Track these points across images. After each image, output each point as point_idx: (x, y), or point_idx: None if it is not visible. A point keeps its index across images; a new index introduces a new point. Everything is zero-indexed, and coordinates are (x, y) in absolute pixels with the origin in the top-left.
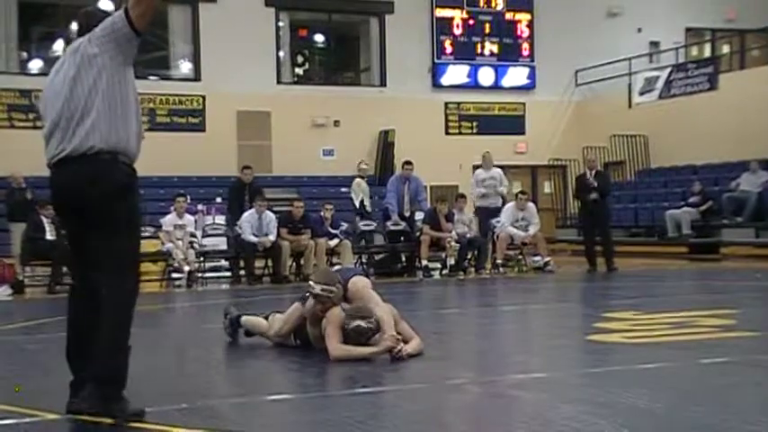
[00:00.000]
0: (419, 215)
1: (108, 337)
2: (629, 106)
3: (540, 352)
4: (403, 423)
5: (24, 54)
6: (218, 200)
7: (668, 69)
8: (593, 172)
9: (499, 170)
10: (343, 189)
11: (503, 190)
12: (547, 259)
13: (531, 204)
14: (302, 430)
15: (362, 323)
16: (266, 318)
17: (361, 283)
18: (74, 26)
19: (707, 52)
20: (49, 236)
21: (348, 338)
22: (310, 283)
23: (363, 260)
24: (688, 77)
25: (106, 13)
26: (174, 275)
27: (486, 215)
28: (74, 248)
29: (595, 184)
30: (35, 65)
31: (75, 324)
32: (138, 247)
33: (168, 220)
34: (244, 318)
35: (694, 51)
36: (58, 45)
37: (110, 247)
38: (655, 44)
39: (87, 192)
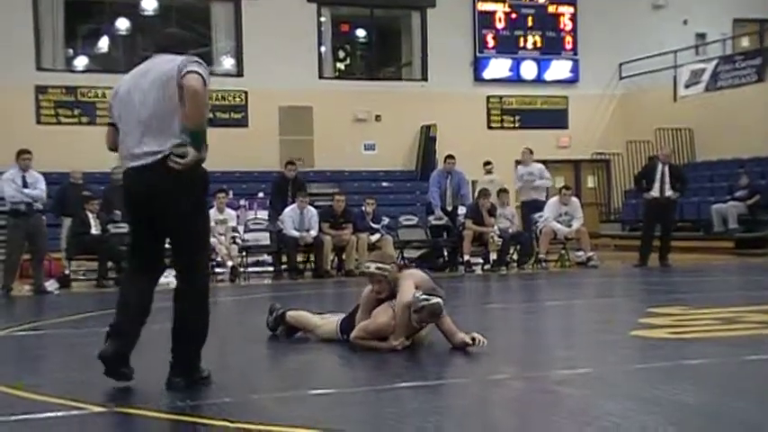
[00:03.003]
0: (461, 210)
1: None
2: (675, 99)
3: (585, 347)
4: (446, 419)
5: (71, 51)
6: (261, 195)
7: (715, 61)
8: (666, 166)
9: (539, 165)
10: (385, 183)
11: (542, 183)
12: (590, 254)
13: (574, 199)
14: (345, 425)
15: (440, 300)
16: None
17: (406, 274)
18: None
19: (755, 44)
20: (94, 230)
21: (422, 315)
22: (366, 263)
23: (405, 255)
24: (735, 69)
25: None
26: (218, 270)
27: (529, 210)
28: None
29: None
30: (81, 62)
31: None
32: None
33: (210, 216)
34: (289, 313)
35: (743, 43)
36: (104, 42)
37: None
38: (701, 36)
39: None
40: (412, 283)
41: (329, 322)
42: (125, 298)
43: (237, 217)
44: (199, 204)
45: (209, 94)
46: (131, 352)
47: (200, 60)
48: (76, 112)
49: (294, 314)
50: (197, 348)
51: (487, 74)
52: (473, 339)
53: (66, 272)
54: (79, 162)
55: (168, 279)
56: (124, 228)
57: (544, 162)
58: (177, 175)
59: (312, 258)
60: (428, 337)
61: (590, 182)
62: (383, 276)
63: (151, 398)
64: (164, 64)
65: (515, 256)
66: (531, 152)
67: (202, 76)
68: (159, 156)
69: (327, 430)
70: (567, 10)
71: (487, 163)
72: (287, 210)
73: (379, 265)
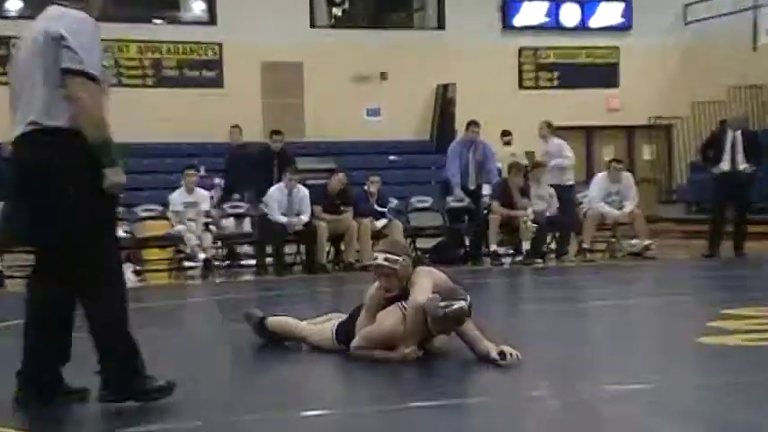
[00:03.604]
0: (487, 189)
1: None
2: (754, 49)
3: (640, 357)
4: None
5: None
6: None
7: None
8: (738, 133)
9: (558, 141)
10: (392, 157)
11: (557, 163)
12: (647, 242)
13: (626, 175)
14: None
15: (464, 304)
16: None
17: (422, 271)
18: None
19: None
20: None
21: (443, 324)
22: (374, 253)
23: (417, 245)
24: None
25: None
26: (187, 264)
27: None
28: None
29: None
30: (13, 5)
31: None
32: None
33: (177, 198)
34: (271, 320)
35: None
36: None
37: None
38: None
39: None
40: (430, 281)
41: (322, 328)
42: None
43: (211, 198)
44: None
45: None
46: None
47: (84, 25)
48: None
49: (277, 321)
50: (119, 349)
51: (519, 20)
52: (501, 354)
53: None
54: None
55: (126, 276)
56: None
57: (589, 128)
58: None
59: (303, 249)
60: (442, 344)
61: (646, 153)
62: (393, 270)
63: (90, 422)
64: (42, 21)
65: (553, 246)
66: (551, 126)
67: (89, 75)
68: (23, 130)
69: None
70: None
71: (506, 133)
72: (272, 190)
73: (389, 255)
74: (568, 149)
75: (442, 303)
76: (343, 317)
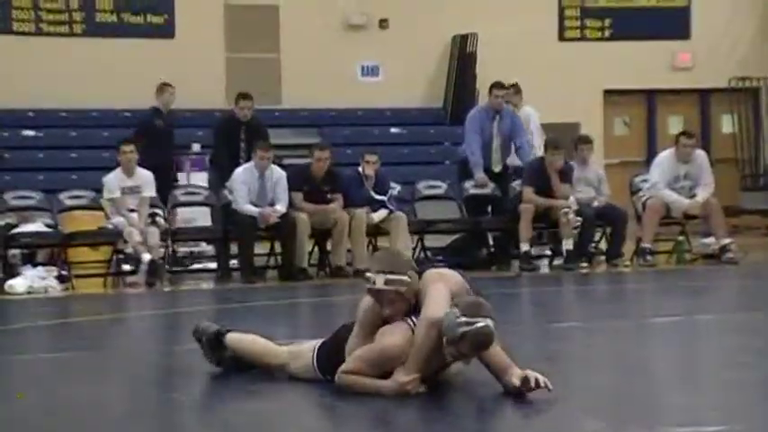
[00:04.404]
0: (513, 161)
1: None
2: None
3: (716, 391)
4: None
5: None
6: (196, 147)
7: None
8: None
9: (527, 110)
10: (394, 130)
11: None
12: (726, 241)
13: (700, 153)
14: None
15: (490, 323)
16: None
17: (433, 276)
18: None
19: None
20: None
21: (460, 348)
22: (368, 275)
23: (426, 244)
24: None
25: None
26: (127, 267)
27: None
28: None
29: None
30: None
31: None
32: None
33: (112, 181)
34: (231, 336)
35: None
36: None
37: None
38: None
39: None
40: (445, 288)
41: (299, 352)
42: None
43: None
44: None
45: None
46: None
47: None
48: None
49: (239, 339)
50: None
51: None
52: (525, 380)
53: None
54: None
55: (46, 282)
56: None
57: (651, 94)
58: None
59: (279, 249)
60: (459, 370)
61: (726, 125)
62: (398, 294)
63: None
64: None
65: (603, 246)
66: (519, 90)
67: None
68: None
69: None
70: None
71: (500, 86)
72: (239, 171)
73: (390, 276)
74: (535, 122)
75: (462, 320)
76: (323, 339)
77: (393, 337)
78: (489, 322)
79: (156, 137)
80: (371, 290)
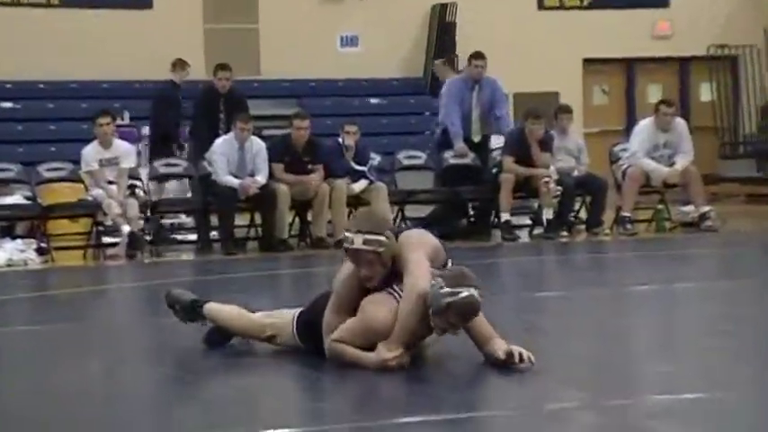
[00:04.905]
0: (497, 140)
1: None
2: None
3: (694, 360)
4: None
5: None
6: None
7: None
8: None
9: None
10: (374, 100)
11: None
12: (705, 209)
13: (679, 121)
14: None
15: (474, 292)
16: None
17: (411, 239)
18: None
19: None
20: None
21: (446, 318)
22: (346, 234)
23: (406, 214)
24: None
25: None
26: (107, 240)
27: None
28: None
29: None
30: None
31: None
32: None
33: (89, 153)
34: (208, 306)
35: None
36: None
37: None
38: None
39: None
40: (425, 257)
41: (281, 323)
42: None
43: (138, 155)
44: None
45: None
46: None
47: None
48: None
49: (217, 309)
50: None
51: None
52: (509, 355)
53: None
54: None
55: (25, 255)
56: None
57: (630, 63)
58: None
59: (259, 220)
60: (433, 341)
61: (705, 93)
62: (376, 254)
63: None
64: None
65: (583, 215)
66: (451, 61)
67: None
68: None
69: None
70: None
71: (479, 56)
72: (218, 142)
73: (368, 236)
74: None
75: (446, 290)
76: (302, 307)
77: (378, 311)
78: (474, 291)
79: (172, 109)
80: (349, 249)
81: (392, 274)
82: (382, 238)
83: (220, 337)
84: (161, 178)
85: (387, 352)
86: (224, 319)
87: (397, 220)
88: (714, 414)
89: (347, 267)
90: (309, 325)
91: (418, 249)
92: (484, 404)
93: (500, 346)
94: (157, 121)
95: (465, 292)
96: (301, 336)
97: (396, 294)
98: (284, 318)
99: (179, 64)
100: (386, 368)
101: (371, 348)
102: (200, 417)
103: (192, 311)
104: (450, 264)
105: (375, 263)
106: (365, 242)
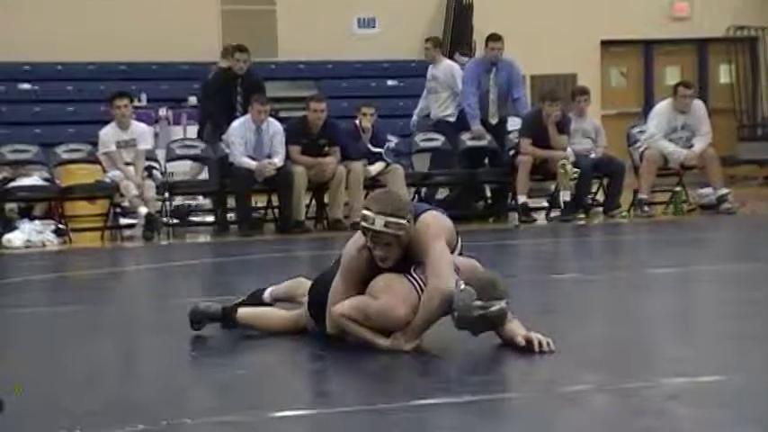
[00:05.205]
0: (514, 123)
1: None
2: None
3: (712, 343)
4: None
5: None
6: (192, 100)
7: None
8: None
9: (449, 63)
10: (391, 82)
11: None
12: (723, 191)
13: (697, 104)
14: None
15: (504, 305)
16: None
17: (431, 228)
18: None
19: None
20: None
21: (473, 326)
22: (365, 213)
23: (423, 195)
24: None
25: None
26: (124, 221)
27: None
28: None
29: None
30: None
31: None
32: None
33: (107, 135)
34: (241, 312)
35: None
36: None
37: None
38: None
39: None
40: (446, 246)
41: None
42: None
43: (155, 136)
44: None
45: None
46: None
47: None
48: None
49: (253, 316)
50: None
51: None
52: (528, 341)
53: None
54: None
55: (43, 236)
56: None
57: (648, 44)
58: None
59: (276, 202)
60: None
61: (723, 75)
62: (395, 237)
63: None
64: None
65: (601, 197)
66: (439, 44)
67: None
68: None
69: None
70: None
71: (495, 38)
72: (235, 125)
73: (391, 218)
74: (459, 73)
75: (478, 303)
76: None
77: (398, 305)
78: (503, 304)
79: (220, 94)
80: (368, 229)
81: (405, 257)
82: (403, 222)
83: (203, 316)
84: (179, 159)
85: (405, 344)
86: (260, 324)
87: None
88: (731, 397)
89: (353, 246)
90: (319, 299)
91: (439, 238)
92: (500, 386)
93: (519, 331)
94: (205, 105)
95: (496, 306)
96: (316, 318)
97: (416, 283)
98: (303, 303)
99: (231, 49)
100: (398, 350)
101: (379, 330)
102: (214, 398)
103: (224, 321)
104: (459, 243)
105: (393, 245)
106: (386, 224)
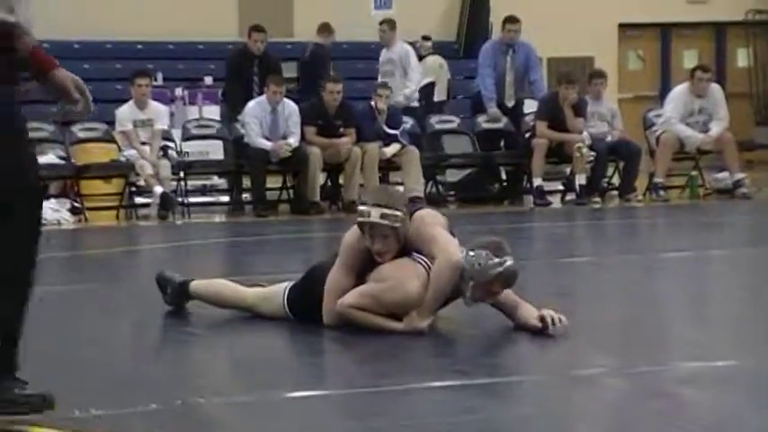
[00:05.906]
0: (530, 105)
1: None
2: None
3: (726, 327)
4: None
5: None
6: (209, 80)
7: None
8: None
9: (405, 47)
10: None
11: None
12: (740, 176)
13: (714, 87)
14: None
15: (513, 261)
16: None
17: (427, 218)
18: None
19: None
20: None
21: (491, 287)
22: (361, 208)
23: (439, 179)
24: None
25: None
26: (140, 200)
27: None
28: None
29: None
30: None
31: None
32: None
33: (125, 114)
34: (194, 284)
35: None
36: None
37: None
38: None
39: None
40: (444, 230)
41: (269, 293)
42: None
43: (171, 116)
44: None
45: None
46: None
47: None
48: None
49: (204, 286)
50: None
51: None
52: (542, 320)
53: None
54: None
55: (59, 214)
56: None
57: (665, 28)
58: None
59: (291, 183)
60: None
61: (741, 59)
62: (392, 229)
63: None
64: None
65: (616, 181)
66: (394, 27)
67: None
68: None
69: None
70: None
71: (512, 20)
72: (251, 105)
73: (386, 210)
74: (415, 58)
75: (495, 260)
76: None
77: (410, 281)
78: (510, 259)
79: (241, 74)
80: (364, 223)
81: (403, 252)
82: (399, 213)
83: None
84: (193, 139)
85: (420, 321)
86: (209, 295)
87: (429, 185)
88: (745, 381)
89: (352, 235)
90: (303, 298)
91: (437, 225)
92: (512, 369)
93: (531, 313)
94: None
95: (509, 261)
96: (292, 309)
97: (421, 261)
98: (272, 289)
99: (325, 28)
100: (412, 333)
101: (389, 316)
102: (227, 378)
103: (179, 293)
104: (455, 239)
105: (390, 237)
106: (383, 216)
